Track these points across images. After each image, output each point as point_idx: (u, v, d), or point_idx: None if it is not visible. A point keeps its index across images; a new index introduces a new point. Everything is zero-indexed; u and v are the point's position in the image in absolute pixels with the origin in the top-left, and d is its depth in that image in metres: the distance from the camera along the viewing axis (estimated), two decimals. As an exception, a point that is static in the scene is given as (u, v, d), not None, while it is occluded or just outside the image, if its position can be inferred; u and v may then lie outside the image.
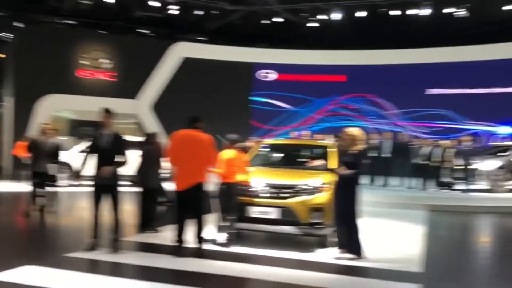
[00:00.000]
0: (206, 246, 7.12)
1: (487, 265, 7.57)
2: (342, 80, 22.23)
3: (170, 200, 9.58)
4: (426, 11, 19.60)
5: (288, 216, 7.24)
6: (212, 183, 7.69)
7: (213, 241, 7.44)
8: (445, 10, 19.54)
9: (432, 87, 21.03)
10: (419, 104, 20.77)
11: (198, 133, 6.99)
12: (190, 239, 7.02)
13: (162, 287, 5.52)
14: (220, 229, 7.51)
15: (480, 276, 6.83)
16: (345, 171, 6.86)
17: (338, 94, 22.09)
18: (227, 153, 7.56)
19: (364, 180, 14.86)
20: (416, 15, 19.88)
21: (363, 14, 20.32)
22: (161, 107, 20.96)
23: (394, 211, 11.85)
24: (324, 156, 8.35)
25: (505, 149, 15.37)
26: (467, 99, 20.21)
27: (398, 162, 15.22)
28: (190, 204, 6.93)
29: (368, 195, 12.35)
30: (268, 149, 9.44)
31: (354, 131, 7.20)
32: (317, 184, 7.43)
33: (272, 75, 23.03)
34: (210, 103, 20.73)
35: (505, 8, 18.77)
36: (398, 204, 12.67)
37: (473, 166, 14.23)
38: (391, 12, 20.06)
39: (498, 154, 15.17)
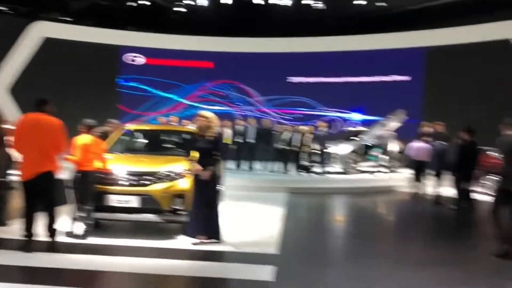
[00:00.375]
0: (60, 239, 6.53)
1: (340, 244, 7.92)
2: (209, 67, 22.13)
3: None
4: (287, 2, 20.12)
5: (149, 204, 6.91)
6: (66, 171, 7.06)
7: (69, 233, 6.86)
8: (304, 2, 20.22)
9: (293, 76, 21.78)
10: (282, 91, 21.43)
11: (46, 117, 6.25)
12: (41, 232, 6.38)
13: (10, 287, 4.89)
14: (76, 220, 6.93)
15: (333, 254, 7.08)
16: (207, 173, 6.67)
17: (206, 80, 21.98)
18: (83, 139, 6.97)
19: (230, 164, 15.17)
20: (278, 5, 20.33)
21: (229, 1, 20.30)
22: (20, 90, 19.13)
23: (258, 194, 12.01)
24: (189, 142, 8.05)
25: (356, 134, 16.36)
26: (324, 88, 21.24)
27: (261, 147, 15.50)
28: (39, 194, 6.26)
29: (234, 180, 12.50)
30: (130, 135, 8.95)
31: (208, 114, 7.04)
32: (179, 170, 7.17)
33: (140, 59, 22.20)
34: (75, 87, 19.51)
35: (357, 2, 20.01)
36: (261, 187, 12.89)
37: (329, 150, 14.94)
38: (255, 1, 20.26)
39: (351, 138, 16.09)
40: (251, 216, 9.30)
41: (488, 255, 6.58)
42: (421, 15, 20.55)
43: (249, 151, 15.60)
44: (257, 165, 15.78)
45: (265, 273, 5.50)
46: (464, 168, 9.58)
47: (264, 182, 13.44)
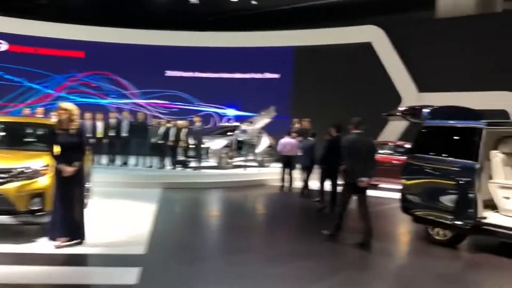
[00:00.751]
0: None
1: (212, 239, 7.82)
2: (80, 56, 20.85)
3: None
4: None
5: (2, 205, 6.18)
6: None
7: None
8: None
9: (170, 69, 21.33)
10: (158, 85, 20.89)
11: None
12: None
13: None
14: None
15: (203, 251, 6.89)
16: (70, 169, 6.17)
17: (77, 70, 20.68)
18: None
19: (103, 159, 14.41)
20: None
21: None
22: None
23: (131, 190, 11.54)
24: (51, 136, 7.37)
25: (231, 129, 16.45)
26: (201, 83, 21.12)
27: (136, 142, 14.90)
28: None
29: (106, 175, 11.93)
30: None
31: (69, 105, 6.51)
32: (38, 167, 6.51)
33: (2, 45, 20.21)
34: None
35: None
36: (135, 183, 12.41)
37: (204, 145, 14.81)
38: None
39: (225, 134, 16.14)
40: (121, 214, 8.85)
41: (349, 247, 6.92)
42: (292, 15, 21.31)
43: (123, 145, 14.93)
44: (131, 160, 15.16)
45: (130, 275, 5.20)
46: (331, 163, 9.96)
47: (138, 178, 12.96)
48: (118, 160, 14.96)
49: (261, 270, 5.79)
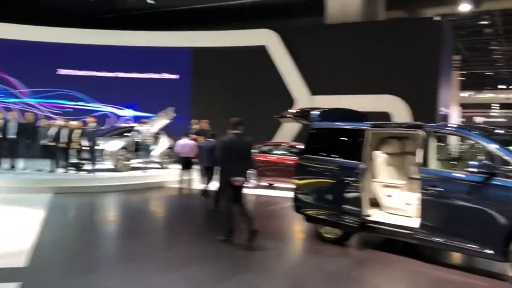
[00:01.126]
0: None
1: (103, 248, 7.31)
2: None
3: None
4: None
5: None
6: None
7: None
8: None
9: (63, 68, 20.06)
10: (50, 84, 19.55)
11: None
12: None
13: None
14: None
15: (92, 261, 6.33)
16: None
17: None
18: None
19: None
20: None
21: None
22: None
23: (18, 196, 10.70)
24: None
25: (128, 130, 15.78)
26: (97, 82, 20.11)
27: (25, 143, 13.77)
28: None
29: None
30: None
31: None
32: None
33: None
34: None
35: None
36: (23, 188, 11.53)
37: (99, 147, 14.03)
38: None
39: (122, 135, 15.46)
40: (4, 222, 8.11)
41: (243, 248, 6.84)
42: (188, 16, 21.03)
43: (10, 147, 13.72)
44: (19, 163, 13.97)
45: (6, 293, 4.69)
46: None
47: (26, 182, 12.01)
48: (5, 163, 13.75)
49: (154, 277, 5.50)
